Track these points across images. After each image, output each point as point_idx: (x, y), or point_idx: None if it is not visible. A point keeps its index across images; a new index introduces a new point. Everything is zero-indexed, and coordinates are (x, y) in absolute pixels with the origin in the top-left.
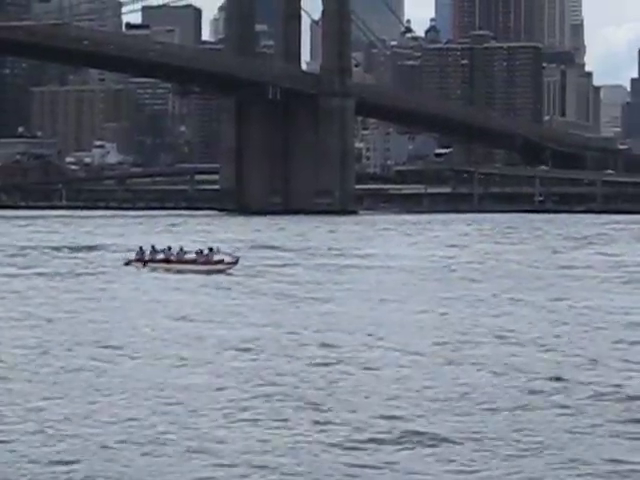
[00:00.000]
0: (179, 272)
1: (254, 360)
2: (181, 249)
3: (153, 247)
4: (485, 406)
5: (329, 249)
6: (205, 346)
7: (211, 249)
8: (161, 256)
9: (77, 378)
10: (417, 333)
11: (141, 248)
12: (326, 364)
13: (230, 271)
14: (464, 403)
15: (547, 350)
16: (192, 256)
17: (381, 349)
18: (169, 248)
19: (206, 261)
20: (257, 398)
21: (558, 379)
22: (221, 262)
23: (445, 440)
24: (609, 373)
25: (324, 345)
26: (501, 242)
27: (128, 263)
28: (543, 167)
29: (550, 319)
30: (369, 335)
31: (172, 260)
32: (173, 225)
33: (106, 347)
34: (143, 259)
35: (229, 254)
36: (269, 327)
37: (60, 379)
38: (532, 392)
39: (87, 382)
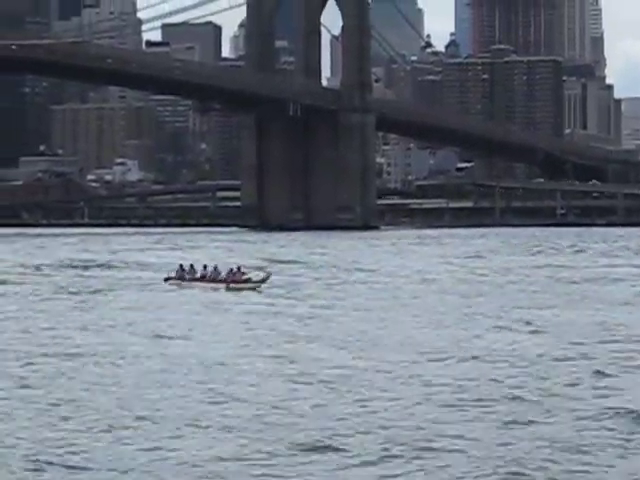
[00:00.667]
0: (214, 289)
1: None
2: (215, 268)
3: (191, 265)
4: None
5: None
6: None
7: (239, 268)
8: (198, 275)
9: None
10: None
11: (181, 266)
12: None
13: (260, 289)
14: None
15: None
16: (224, 275)
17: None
18: (204, 267)
19: (236, 279)
20: None
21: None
22: (249, 280)
23: None
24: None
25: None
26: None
27: (167, 279)
28: (567, 181)
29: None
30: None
31: (208, 278)
32: (196, 242)
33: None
34: (183, 277)
35: (261, 271)
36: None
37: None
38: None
39: None
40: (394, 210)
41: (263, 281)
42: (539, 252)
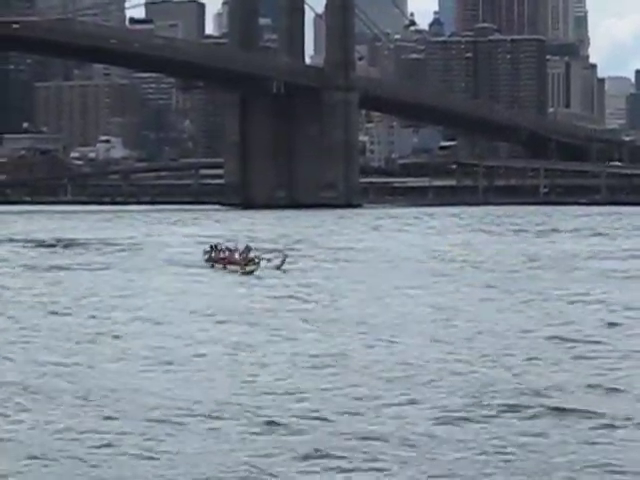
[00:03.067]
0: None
1: None
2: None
3: (215, 246)
4: None
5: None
6: None
7: (248, 247)
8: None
9: None
10: None
11: (214, 247)
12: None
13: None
14: None
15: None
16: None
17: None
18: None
19: (245, 259)
20: None
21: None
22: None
23: None
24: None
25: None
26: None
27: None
28: (550, 159)
29: None
30: None
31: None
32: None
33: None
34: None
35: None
36: None
37: None
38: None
39: None
40: (377, 188)
41: (282, 263)
42: (488, 230)
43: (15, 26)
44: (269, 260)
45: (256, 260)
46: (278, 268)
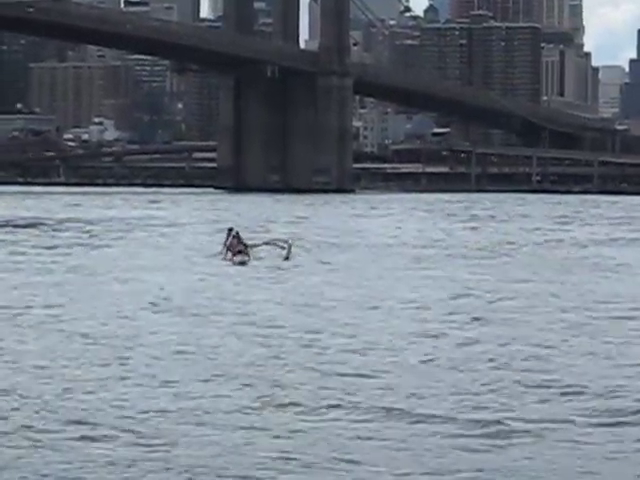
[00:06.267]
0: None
1: None
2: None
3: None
4: None
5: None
6: None
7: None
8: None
9: None
10: None
11: (234, 233)
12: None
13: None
14: None
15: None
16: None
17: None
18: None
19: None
20: None
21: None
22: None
23: None
24: None
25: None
26: None
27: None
28: (543, 148)
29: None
30: None
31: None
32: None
33: None
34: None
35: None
36: None
37: None
38: None
39: None
40: (370, 174)
41: (288, 252)
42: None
43: (29, 9)
44: (258, 245)
45: (248, 249)
46: (286, 259)
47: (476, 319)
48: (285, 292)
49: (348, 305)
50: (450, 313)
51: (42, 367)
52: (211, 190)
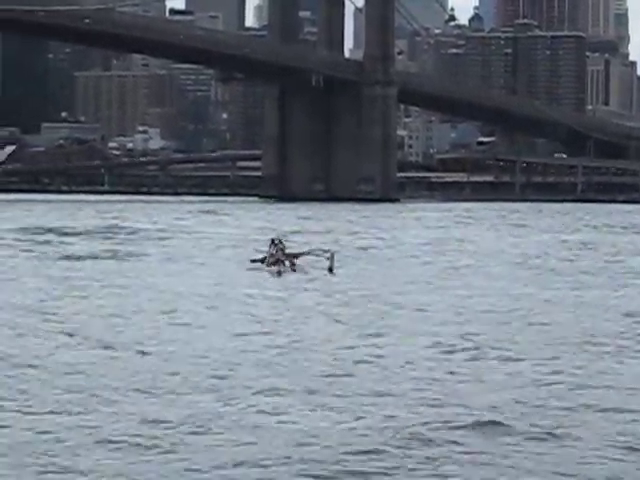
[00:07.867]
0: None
1: None
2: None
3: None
4: None
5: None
6: None
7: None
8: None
9: None
10: None
11: (278, 242)
12: None
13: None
14: None
15: None
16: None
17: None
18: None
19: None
20: None
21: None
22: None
23: None
24: None
25: None
26: None
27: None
28: (588, 157)
29: None
30: None
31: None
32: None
33: None
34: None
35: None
36: None
37: None
38: None
39: None
40: (414, 183)
41: (331, 263)
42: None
43: (40, 13)
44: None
45: (291, 259)
46: (330, 270)
47: None
48: None
49: None
50: None
51: None
52: (255, 199)
